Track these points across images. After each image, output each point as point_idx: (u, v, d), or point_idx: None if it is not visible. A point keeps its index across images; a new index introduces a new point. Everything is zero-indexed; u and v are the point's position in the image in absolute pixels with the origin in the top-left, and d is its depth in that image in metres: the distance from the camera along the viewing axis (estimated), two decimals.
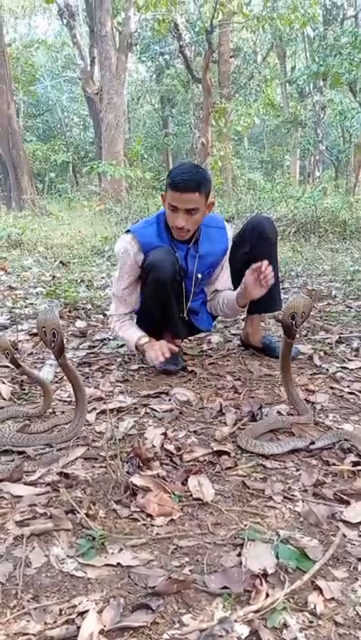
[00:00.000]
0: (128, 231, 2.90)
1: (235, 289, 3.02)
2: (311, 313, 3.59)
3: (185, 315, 3.03)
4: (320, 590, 1.29)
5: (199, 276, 2.93)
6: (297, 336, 2.55)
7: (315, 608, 1.23)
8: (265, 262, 2.68)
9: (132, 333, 2.91)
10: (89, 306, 4.39)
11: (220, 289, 3.05)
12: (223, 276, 3.05)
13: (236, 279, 3.01)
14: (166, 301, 2.84)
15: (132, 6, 15.07)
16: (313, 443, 2.01)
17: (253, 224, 3.00)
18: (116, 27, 16.15)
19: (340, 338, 3.42)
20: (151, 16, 17.75)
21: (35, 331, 3.52)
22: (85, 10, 19.45)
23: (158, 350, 2.76)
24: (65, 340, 2.44)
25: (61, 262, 7.06)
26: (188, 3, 19.33)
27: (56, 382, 2.79)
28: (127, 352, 3.22)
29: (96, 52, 16.64)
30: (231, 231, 2.99)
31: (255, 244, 2.96)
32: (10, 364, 2.47)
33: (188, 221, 2.66)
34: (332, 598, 1.27)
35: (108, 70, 15.31)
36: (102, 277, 6.01)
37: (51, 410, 2.41)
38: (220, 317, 3.36)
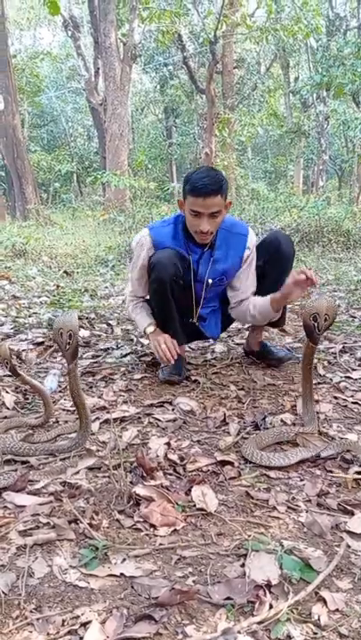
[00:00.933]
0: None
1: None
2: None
3: (195, 320, 3.03)
4: (324, 601, 1.28)
5: (210, 281, 2.91)
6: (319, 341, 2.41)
7: (319, 619, 1.23)
8: (311, 271, 2.61)
9: (142, 319, 2.99)
10: (92, 315, 4.40)
11: (243, 298, 2.96)
12: (247, 283, 2.96)
13: None
14: (165, 302, 2.87)
15: (136, 18, 15.17)
16: (319, 455, 2.00)
17: (271, 239, 2.98)
18: (121, 38, 16.26)
19: (343, 347, 3.42)
20: (155, 27, 17.84)
21: (39, 340, 3.53)
22: (90, 21, 19.58)
23: (166, 351, 2.82)
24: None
25: (65, 272, 7.08)
26: (192, 14, 19.41)
27: (59, 392, 2.79)
28: (131, 362, 3.22)
29: (100, 63, 16.75)
30: (255, 239, 2.95)
31: (269, 259, 2.94)
32: (9, 373, 2.47)
33: (212, 224, 2.68)
34: (337, 610, 1.26)
35: (113, 81, 15.41)
36: (106, 287, 6.02)
37: (54, 419, 2.41)
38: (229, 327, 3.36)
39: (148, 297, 3.03)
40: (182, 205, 2.74)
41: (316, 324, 2.09)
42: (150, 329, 2.94)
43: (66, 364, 2.13)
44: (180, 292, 2.87)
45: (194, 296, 2.96)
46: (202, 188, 2.56)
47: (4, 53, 14.96)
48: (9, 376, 2.92)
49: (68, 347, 2.04)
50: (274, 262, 2.92)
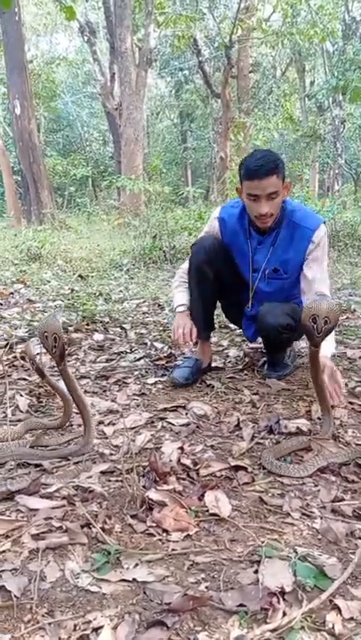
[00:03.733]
0: None
1: None
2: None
3: (249, 306, 3.01)
4: (339, 609, 1.26)
5: (267, 271, 2.85)
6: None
7: (333, 628, 1.21)
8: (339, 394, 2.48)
9: (179, 296, 3.01)
10: (107, 319, 4.40)
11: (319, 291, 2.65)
12: (319, 275, 2.77)
13: None
14: (193, 288, 2.92)
15: (151, 23, 15.23)
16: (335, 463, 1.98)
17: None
18: (136, 43, 16.32)
19: (359, 352, 3.38)
20: (171, 32, 17.93)
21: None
22: (106, 27, 19.69)
23: (181, 336, 2.85)
24: (67, 347, 2.43)
25: (80, 276, 7.10)
26: (208, 19, 19.47)
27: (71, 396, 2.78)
28: (144, 366, 3.21)
29: (116, 68, 16.81)
30: (325, 234, 2.79)
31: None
32: (35, 373, 2.47)
33: (271, 206, 2.63)
34: (351, 618, 1.24)
35: (128, 86, 15.46)
36: (120, 291, 6.03)
37: (69, 422, 2.41)
38: None
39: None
40: (241, 193, 2.72)
41: (314, 326, 2.05)
42: (181, 309, 2.96)
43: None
44: (214, 287, 2.90)
45: (251, 284, 2.94)
46: (256, 169, 2.53)
47: (20, 59, 15.03)
48: (23, 379, 2.94)
49: (54, 349, 2.05)
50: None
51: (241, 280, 2.99)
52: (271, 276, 2.87)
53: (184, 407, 2.58)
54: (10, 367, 3.16)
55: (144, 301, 5.27)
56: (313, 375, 2.19)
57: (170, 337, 3.18)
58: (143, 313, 4.78)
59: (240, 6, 15.25)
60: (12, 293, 5.66)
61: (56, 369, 3.14)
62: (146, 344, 3.66)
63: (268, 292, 2.91)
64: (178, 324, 2.90)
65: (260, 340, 3.16)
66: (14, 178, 18.02)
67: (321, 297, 2.12)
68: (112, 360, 3.34)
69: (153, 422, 2.42)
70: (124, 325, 4.20)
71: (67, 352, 3.40)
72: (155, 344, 3.62)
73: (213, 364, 3.19)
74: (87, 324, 4.18)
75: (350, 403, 2.62)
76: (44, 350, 2.11)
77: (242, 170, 2.62)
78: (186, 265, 3.00)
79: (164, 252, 8.32)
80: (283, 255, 2.81)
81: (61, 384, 2.83)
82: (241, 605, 1.27)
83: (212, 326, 3.09)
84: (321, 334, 2.06)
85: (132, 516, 1.64)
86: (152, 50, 16.04)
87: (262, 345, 3.21)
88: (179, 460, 2.00)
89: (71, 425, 2.41)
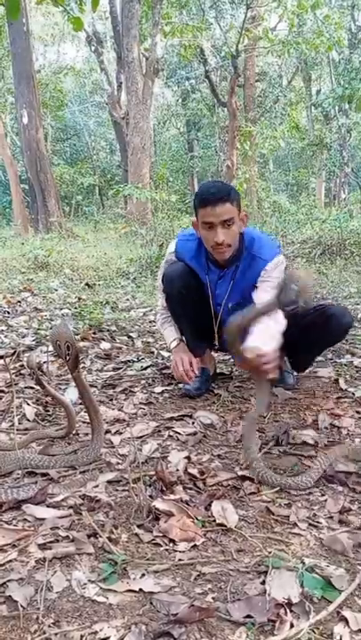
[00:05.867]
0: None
1: None
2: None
3: (216, 343, 2.98)
4: (346, 621, 1.25)
5: (230, 305, 2.80)
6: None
7: (341, 639, 1.20)
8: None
9: (169, 333, 3.01)
10: (113, 327, 4.41)
11: None
12: (262, 295, 2.62)
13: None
14: (178, 315, 2.91)
15: (158, 32, 15.30)
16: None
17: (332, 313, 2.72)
18: (143, 53, 16.39)
19: None
20: (177, 42, 18.00)
21: None
22: (113, 37, 19.81)
23: (183, 374, 2.81)
24: (80, 355, 2.42)
25: (87, 284, 7.12)
26: (214, 28, 19.57)
27: (80, 404, 2.79)
28: (151, 374, 3.22)
29: (123, 78, 16.89)
30: (280, 263, 2.71)
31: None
32: (35, 385, 2.48)
33: (227, 235, 2.57)
34: (359, 630, 1.24)
35: (135, 95, 15.53)
36: (127, 299, 6.04)
37: (75, 432, 2.41)
38: None
39: None
40: (196, 226, 2.68)
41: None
42: (174, 344, 2.95)
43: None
44: (195, 307, 2.84)
45: (214, 319, 2.90)
46: (210, 196, 2.52)
47: (28, 69, 15.14)
48: (30, 388, 2.94)
49: (68, 357, 2.06)
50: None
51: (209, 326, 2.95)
52: (235, 309, 2.74)
53: (191, 416, 2.58)
54: (17, 375, 3.16)
55: (151, 310, 5.27)
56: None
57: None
58: (150, 321, 4.78)
59: (246, 16, 15.29)
60: (19, 302, 5.68)
61: (61, 379, 3.16)
62: (153, 353, 3.67)
63: None
64: (176, 361, 2.88)
65: None
66: (22, 187, 18.10)
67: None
68: (119, 369, 3.35)
69: (160, 431, 2.42)
70: (130, 334, 4.21)
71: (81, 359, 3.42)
72: (161, 353, 3.62)
73: (219, 371, 3.20)
74: (94, 333, 4.19)
75: (357, 412, 2.62)
76: (52, 359, 2.12)
77: (196, 201, 2.60)
78: (161, 302, 3.00)
79: None
80: (244, 287, 2.76)
81: (70, 392, 2.85)
82: (248, 617, 1.26)
83: (205, 342, 3.06)
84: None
85: (139, 526, 1.64)
86: (159, 59, 16.10)
87: None
88: (185, 470, 1.99)
89: (77, 434, 2.41)
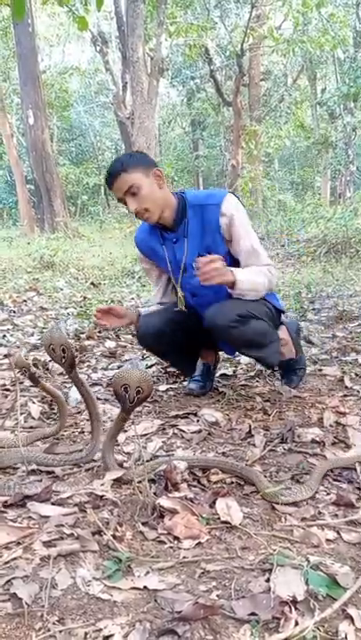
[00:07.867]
0: None
1: None
2: (341, 334, 3.56)
3: (183, 308, 2.80)
4: (351, 619, 1.25)
5: (193, 264, 2.52)
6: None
7: (346, 637, 1.20)
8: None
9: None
10: None
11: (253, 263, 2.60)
12: (242, 249, 2.60)
13: None
14: (162, 356, 3.06)
15: (163, 32, 15.31)
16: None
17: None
18: (148, 52, 16.40)
19: None
20: (182, 41, 18.00)
21: None
22: (118, 37, 19.83)
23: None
24: (77, 355, 2.42)
25: (92, 283, 7.13)
26: (219, 28, 19.53)
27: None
28: (156, 373, 3.22)
29: (128, 78, 16.90)
30: (234, 202, 2.58)
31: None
32: (28, 380, 2.48)
33: (138, 201, 2.49)
34: None
35: (140, 95, 15.53)
36: (132, 298, 6.04)
37: (79, 430, 2.41)
38: None
39: (162, 300, 2.98)
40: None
41: (127, 395, 1.86)
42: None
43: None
44: (174, 345, 2.83)
45: (178, 285, 2.80)
46: (107, 177, 2.53)
47: (33, 69, 15.20)
48: (35, 386, 2.94)
49: (63, 360, 2.05)
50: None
51: (195, 337, 2.87)
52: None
53: (195, 414, 2.58)
54: (22, 375, 3.16)
55: None
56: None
57: None
58: None
59: (251, 15, 15.28)
60: (25, 301, 5.70)
61: (66, 378, 3.16)
62: None
63: (202, 285, 2.46)
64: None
65: None
66: (28, 187, 18.17)
67: (133, 365, 1.92)
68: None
69: (164, 429, 2.42)
70: (134, 333, 4.20)
71: (77, 360, 3.43)
72: None
73: (224, 371, 3.23)
74: (99, 332, 4.19)
75: None
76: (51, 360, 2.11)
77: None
78: (153, 293, 3.08)
79: None
80: (202, 242, 2.64)
81: (74, 392, 2.85)
82: (253, 614, 1.25)
83: (198, 353, 3.06)
84: (134, 403, 1.89)
85: (144, 524, 1.63)
86: (164, 59, 16.12)
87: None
88: (190, 468, 1.99)
89: (83, 432, 2.41)
